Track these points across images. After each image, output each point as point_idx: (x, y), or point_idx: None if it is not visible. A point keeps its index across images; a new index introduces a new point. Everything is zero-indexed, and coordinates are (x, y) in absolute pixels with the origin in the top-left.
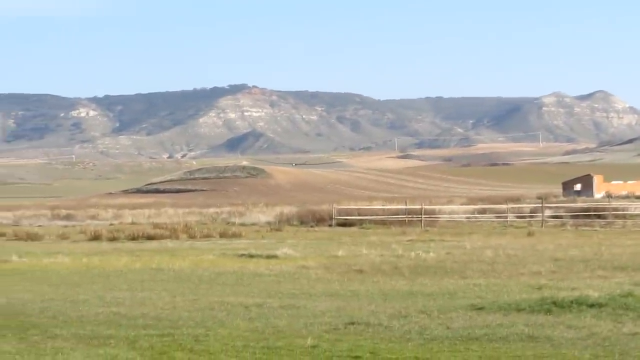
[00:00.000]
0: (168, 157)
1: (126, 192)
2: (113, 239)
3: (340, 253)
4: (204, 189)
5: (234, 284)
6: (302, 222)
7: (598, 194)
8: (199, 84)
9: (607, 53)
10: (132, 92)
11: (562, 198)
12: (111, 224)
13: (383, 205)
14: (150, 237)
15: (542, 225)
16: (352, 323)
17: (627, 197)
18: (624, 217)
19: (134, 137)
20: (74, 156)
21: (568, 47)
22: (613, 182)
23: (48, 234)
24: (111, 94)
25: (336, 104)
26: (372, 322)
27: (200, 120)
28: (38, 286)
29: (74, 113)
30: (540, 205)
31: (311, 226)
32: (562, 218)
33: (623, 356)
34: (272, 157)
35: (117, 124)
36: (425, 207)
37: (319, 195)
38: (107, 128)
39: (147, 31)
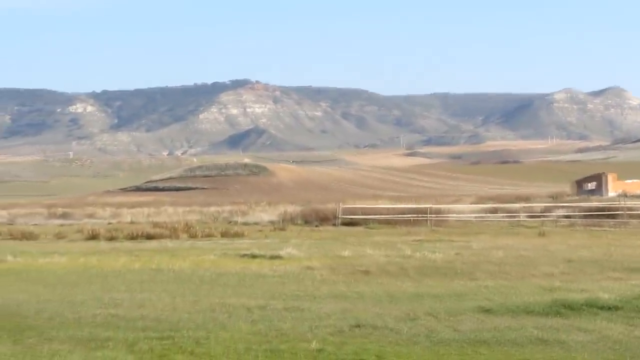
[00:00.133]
0: (168, 154)
1: (125, 190)
2: (111, 239)
3: (345, 253)
4: (205, 187)
5: (236, 285)
6: (306, 222)
7: (612, 193)
8: (199, 79)
9: (621, 48)
10: (131, 88)
11: (574, 197)
12: (109, 223)
13: (389, 205)
14: (149, 237)
15: (554, 225)
16: (358, 326)
17: None
18: (639, 217)
19: (133, 133)
20: (71, 153)
21: (580, 41)
22: (627, 181)
23: (44, 233)
24: (109, 89)
25: (341, 100)
26: (379, 325)
27: (201, 116)
28: (34, 287)
29: (72, 109)
30: (552, 204)
31: (315, 226)
32: (574, 218)
33: None
34: (275, 155)
35: (116, 120)
36: (433, 206)
37: (323, 193)
38: (105, 124)
39: (147, 25)
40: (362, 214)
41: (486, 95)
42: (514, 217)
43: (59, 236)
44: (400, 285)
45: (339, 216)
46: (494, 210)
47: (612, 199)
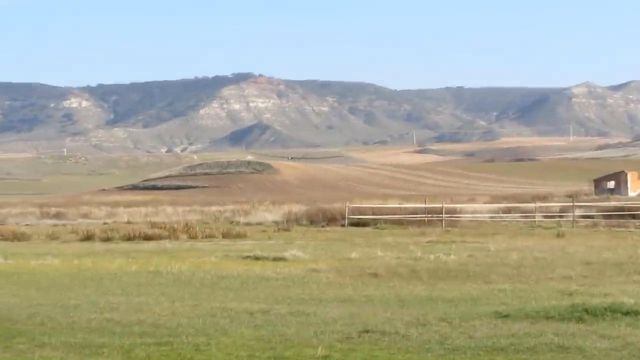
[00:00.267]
0: (166, 151)
1: (121, 188)
2: (107, 239)
3: (353, 255)
4: (206, 185)
5: (238, 289)
6: (312, 222)
7: (633, 192)
8: (200, 72)
9: None
10: (128, 81)
11: (593, 196)
12: (105, 223)
13: (399, 204)
14: (147, 238)
15: (572, 226)
16: (367, 331)
17: None
18: None
19: (130, 129)
20: (64, 150)
21: (600, 33)
22: None
23: (36, 233)
24: (105, 82)
25: (348, 95)
26: (388, 331)
27: (202, 111)
28: (25, 290)
29: (65, 103)
30: (570, 204)
31: (322, 226)
32: (593, 218)
33: None
34: (279, 152)
35: (112, 116)
36: (446, 205)
37: (330, 192)
38: (100, 120)
39: (144, 16)
40: (371, 214)
41: (501, 90)
42: (530, 217)
43: (52, 237)
44: (412, 289)
45: (347, 216)
46: (509, 210)
47: (633, 199)
